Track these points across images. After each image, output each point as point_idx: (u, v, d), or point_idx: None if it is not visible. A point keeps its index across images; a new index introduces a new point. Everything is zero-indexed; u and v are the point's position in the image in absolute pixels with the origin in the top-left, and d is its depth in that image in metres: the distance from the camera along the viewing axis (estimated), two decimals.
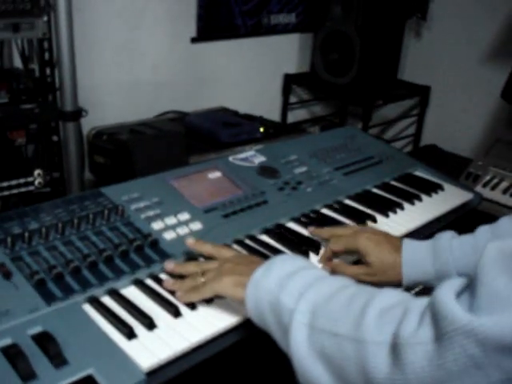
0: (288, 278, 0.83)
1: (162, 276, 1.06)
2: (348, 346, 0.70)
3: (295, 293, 0.80)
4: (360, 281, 1.08)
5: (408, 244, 1.11)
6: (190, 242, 1.08)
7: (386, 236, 1.15)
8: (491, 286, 0.59)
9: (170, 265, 1.05)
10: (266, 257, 1.13)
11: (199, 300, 0.97)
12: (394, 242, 1.13)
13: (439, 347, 0.60)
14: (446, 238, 1.09)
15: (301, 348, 0.75)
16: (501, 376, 0.57)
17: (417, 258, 1.08)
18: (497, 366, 0.57)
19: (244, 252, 1.15)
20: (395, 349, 0.65)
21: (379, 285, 1.10)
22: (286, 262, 0.88)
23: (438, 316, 0.62)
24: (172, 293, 1.01)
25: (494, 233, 1.07)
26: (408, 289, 1.18)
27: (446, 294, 0.63)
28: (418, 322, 0.65)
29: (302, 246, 1.19)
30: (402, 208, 1.41)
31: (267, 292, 0.83)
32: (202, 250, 1.06)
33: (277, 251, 1.17)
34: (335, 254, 1.17)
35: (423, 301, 0.68)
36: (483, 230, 1.09)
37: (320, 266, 1.14)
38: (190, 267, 1.02)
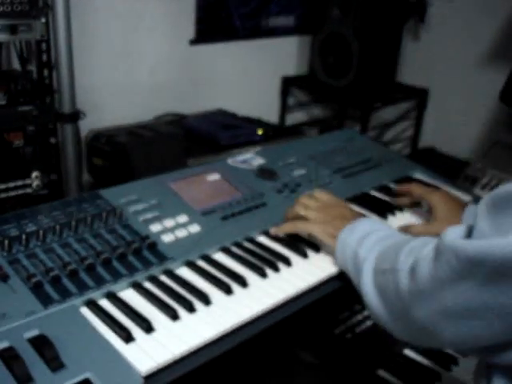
0: (365, 237, 1.06)
1: (162, 278, 1.06)
2: (389, 277, 0.91)
3: (368, 247, 1.04)
4: (431, 234, 1.23)
5: (471, 206, 1.29)
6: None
7: (455, 197, 1.37)
8: (479, 226, 0.75)
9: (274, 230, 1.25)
10: (265, 260, 1.14)
11: (292, 232, 1.21)
12: (460, 203, 1.32)
13: (435, 262, 0.79)
14: None
15: (367, 285, 0.98)
16: (475, 282, 0.72)
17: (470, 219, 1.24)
18: (473, 276, 0.72)
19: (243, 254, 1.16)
20: (413, 268, 0.84)
21: None
22: (366, 225, 1.11)
23: (439, 242, 0.80)
24: (170, 296, 1.00)
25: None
26: None
27: (453, 229, 0.80)
28: (430, 249, 0.82)
29: (302, 248, 1.19)
30: (400, 210, 1.41)
31: (349, 247, 1.08)
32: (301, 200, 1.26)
33: (276, 254, 1.17)
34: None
35: None
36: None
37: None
38: (297, 206, 1.24)
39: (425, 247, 0.85)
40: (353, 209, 1.25)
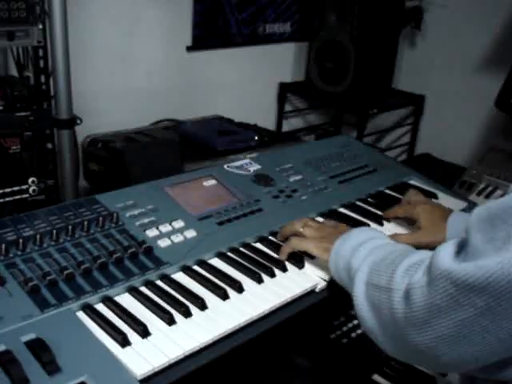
0: (358, 247, 1.03)
1: (158, 283, 1.07)
2: (383, 295, 0.88)
3: (361, 257, 1.00)
4: (416, 243, 1.23)
5: (455, 213, 1.30)
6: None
7: (440, 206, 1.37)
8: (472, 243, 0.74)
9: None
10: (261, 265, 1.14)
11: (290, 251, 1.18)
12: (445, 212, 1.31)
13: (430, 288, 0.77)
14: None
15: (359, 298, 0.95)
16: (475, 311, 0.71)
17: (458, 226, 1.24)
18: (472, 303, 0.71)
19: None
20: (407, 292, 0.81)
21: (431, 246, 1.20)
22: (359, 234, 1.09)
23: (431, 265, 0.78)
24: (166, 300, 1.01)
25: None
26: None
27: (444, 249, 0.78)
28: (424, 272, 0.80)
29: (296, 255, 1.19)
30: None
31: (343, 257, 1.05)
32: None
33: (272, 259, 1.18)
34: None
35: None
36: None
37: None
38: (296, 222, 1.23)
39: (420, 267, 0.83)
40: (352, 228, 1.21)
